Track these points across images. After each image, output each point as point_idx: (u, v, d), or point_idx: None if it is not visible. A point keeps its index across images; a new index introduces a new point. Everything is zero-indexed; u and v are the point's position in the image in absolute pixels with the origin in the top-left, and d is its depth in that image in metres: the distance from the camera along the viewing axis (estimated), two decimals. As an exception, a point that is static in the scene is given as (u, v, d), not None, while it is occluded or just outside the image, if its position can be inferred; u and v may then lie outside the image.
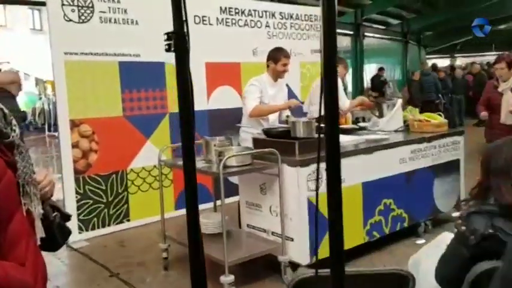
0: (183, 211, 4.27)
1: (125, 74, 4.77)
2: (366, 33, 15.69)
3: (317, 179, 1.46)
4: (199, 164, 3.49)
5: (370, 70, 15.49)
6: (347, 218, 3.33)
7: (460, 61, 22.48)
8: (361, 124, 4.93)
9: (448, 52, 23.53)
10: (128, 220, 4.89)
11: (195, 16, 5.26)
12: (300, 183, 3.26)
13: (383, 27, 17.53)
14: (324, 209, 3.18)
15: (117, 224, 4.80)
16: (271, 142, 3.57)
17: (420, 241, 4.04)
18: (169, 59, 5.14)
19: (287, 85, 5.02)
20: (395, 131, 4.56)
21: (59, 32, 4.33)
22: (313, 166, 3.33)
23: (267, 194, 3.52)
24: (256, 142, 3.72)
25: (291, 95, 5.84)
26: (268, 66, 4.27)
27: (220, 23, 5.50)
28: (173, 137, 5.19)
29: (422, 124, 4.50)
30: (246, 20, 5.75)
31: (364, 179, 3.70)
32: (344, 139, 3.92)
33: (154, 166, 5.05)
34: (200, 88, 5.37)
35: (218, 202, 4.15)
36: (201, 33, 5.32)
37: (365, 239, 3.76)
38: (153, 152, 4.98)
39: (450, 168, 4.49)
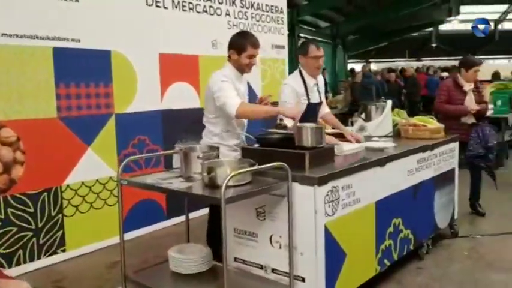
0: (133, 234, 3.29)
1: (60, 63, 3.73)
2: (300, 34, 15.43)
3: None
4: (176, 182, 2.61)
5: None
6: (360, 246, 2.47)
7: (375, 66, 23.28)
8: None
9: (364, 57, 24.29)
10: (64, 250, 3.84)
11: (147, -4, 4.34)
12: (317, 207, 2.52)
13: (314, 29, 17.45)
14: (339, 237, 2.44)
15: (49, 255, 3.74)
16: (268, 152, 2.79)
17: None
18: (117, 46, 4.10)
19: (248, 83, 4.26)
20: (386, 136, 4.00)
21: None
22: (331, 184, 2.60)
23: (266, 219, 2.73)
24: (248, 152, 2.92)
25: (251, 94, 5.10)
26: (229, 56, 3.22)
27: (176, 7, 4.60)
28: (120, 144, 4.22)
29: (418, 129, 3.96)
30: (204, 6, 4.90)
31: (377, 196, 3.04)
32: (347, 147, 3.25)
33: (97, 181, 4.06)
34: (153, 84, 4.46)
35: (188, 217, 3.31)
36: (154, 17, 4.42)
37: (377, 270, 3.10)
38: (96, 163, 4.04)
39: (448, 178, 4.00)
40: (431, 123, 4.08)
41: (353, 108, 10.15)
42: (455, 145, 4.12)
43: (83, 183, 3.96)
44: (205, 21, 4.92)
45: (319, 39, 16.92)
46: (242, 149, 3.02)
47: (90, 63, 3.93)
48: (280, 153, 2.72)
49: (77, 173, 3.91)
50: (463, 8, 18.65)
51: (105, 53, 4.04)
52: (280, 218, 2.62)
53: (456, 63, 18.26)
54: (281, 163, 2.43)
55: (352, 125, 4.43)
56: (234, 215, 2.84)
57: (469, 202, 4.85)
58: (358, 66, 16.60)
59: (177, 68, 4.64)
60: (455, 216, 4.21)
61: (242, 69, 3.23)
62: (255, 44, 3.18)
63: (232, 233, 2.92)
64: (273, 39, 5.89)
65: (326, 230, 2.59)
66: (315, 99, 3.67)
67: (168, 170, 3.01)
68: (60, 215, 3.81)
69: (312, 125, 2.82)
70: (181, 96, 4.69)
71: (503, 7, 22.33)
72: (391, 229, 3.23)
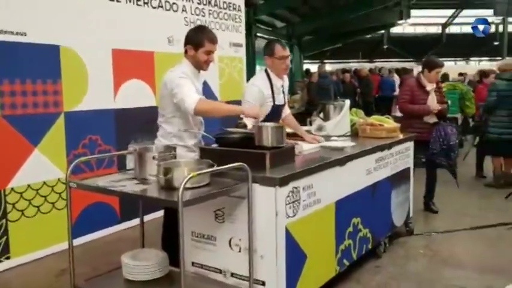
0: (83, 239, 3.11)
1: (4, 58, 3.49)
2: (257, 34, 15.42)
3: None
4: (130, 185, 2.48)
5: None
6: (321, 247, 2.37)
7: (330, 67, 23.69)
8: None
9: (319, 58, 24.69)
10: (8, 258, 3.59)
11: (99, -11, 4.14)
12: (278, 209, 2.45)
13: (270, 29, 17.50)
14: (300, 238, 2.39)
15: (-8, 264, 3.50)
16: (227, 153, 2.70)
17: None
18: (66, 40, 3.86)
19: (205, 82, 4.16)
20: (344, 135, 3.99)
21: None
22: (292, 185, 2.55)
23: (225, 222, 2.64)
24: (206, 152, 2.82)
25: (209, 93, 5.01)
26: (186, 52, 3.05)
27: (130, 1, 4.42)
28: (69, 144, 4.00)
29: (376, 129, 3.99)
30: (160, 1, 4.74)
31: (337, 196, 3.02)
32: (307, 147, 3.22)
33: (44, 183, 3.83)
34: (106, 81, 4.27)
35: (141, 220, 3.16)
36: (107, 11, 4.23)
37: (336, 271, 3.08)
38: (43, 164, 3.82)
39: (404, 177, 4.06)
40: (388, 122, 4.12)
41: (310, 108, 10.22)
42: (411, 144, 4.19)
43: (29, 186, 3.73)
44: (161, 17, 4.77)
45: (276, 39, 16.98)
46: (200, 149, 2.92)
47: (37, 59, 3.70)
48: (240, 153, 2.64)
49: (23, 175, 3.67)
50: (414, 12, 19.27)
51: (54, 48, 3.81)
52: (240, 220, 2.54)
53: (406, 65, 18.87)
54: (241, 163, 2.35)
55: (310, 124, 4.41)
56: (191, 218, 2.73)
57: (424, 200, 4.96)
58: (313, 67, 16.78)
59: (132, 64, 4.46)
60: (411, 214, 4.28)
61: (199, 65, 3.10)
62: (213, 40, 3.04)
63: (190, 237, 2.81)
64: (230, 37, 5.80)
65: (287, 231, 2.53)
66: (279, 100, 3.57)
67: (122, 171, 2.86)
68: (3, 220, 3.57)
69: (273, 124, 2.76)
70: (135, 94, 4.51)
71: (450, 11, 23.28)
72: (350, 229, 3.22)
